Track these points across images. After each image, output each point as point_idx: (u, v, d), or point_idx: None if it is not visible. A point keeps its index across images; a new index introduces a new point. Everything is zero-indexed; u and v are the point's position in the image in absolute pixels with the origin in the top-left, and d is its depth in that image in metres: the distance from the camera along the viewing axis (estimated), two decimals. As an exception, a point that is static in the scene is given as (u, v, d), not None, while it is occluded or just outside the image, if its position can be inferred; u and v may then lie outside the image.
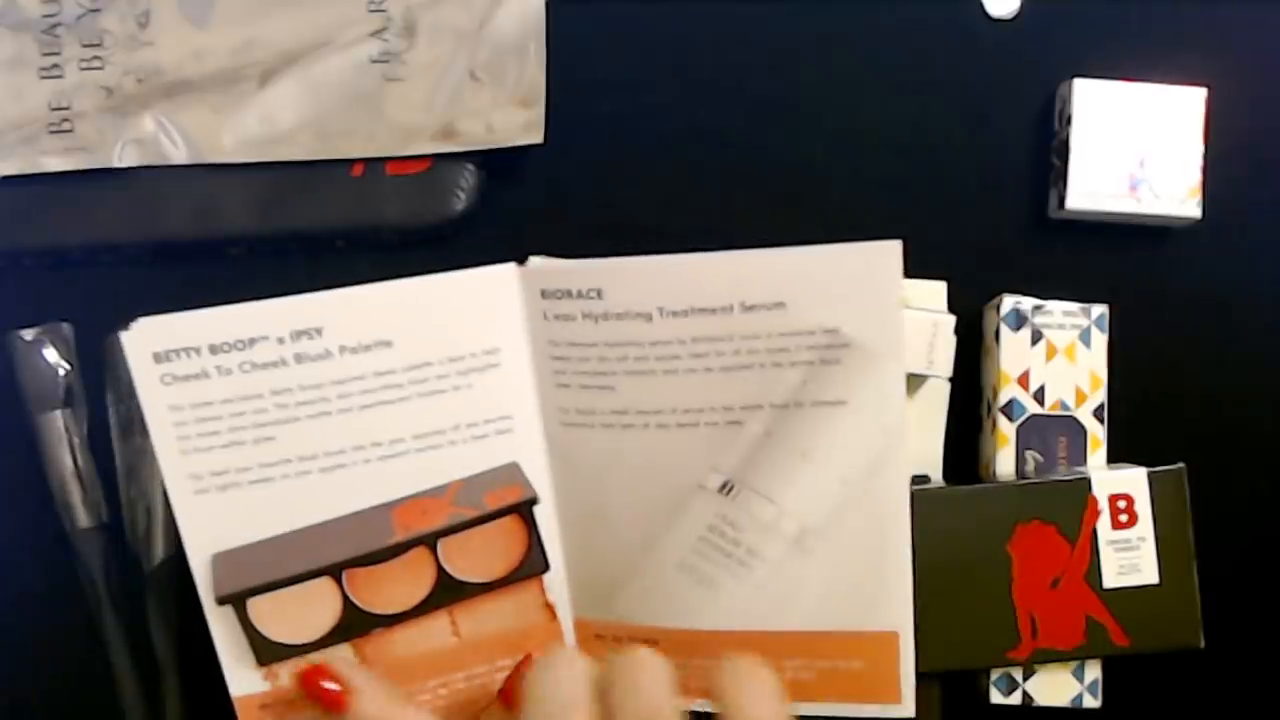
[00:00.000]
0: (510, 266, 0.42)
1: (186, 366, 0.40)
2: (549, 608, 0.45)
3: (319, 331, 0.40)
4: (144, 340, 0.39)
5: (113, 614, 0.49)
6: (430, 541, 0.43)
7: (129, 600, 0.49)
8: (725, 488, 0.42)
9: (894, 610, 0.42)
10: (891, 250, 0.39)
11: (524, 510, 0.44)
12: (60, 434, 0.49)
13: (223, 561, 0.41)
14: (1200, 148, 0.51)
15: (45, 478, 0.49)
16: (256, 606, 0.42)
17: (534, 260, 0.45)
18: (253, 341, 0.40)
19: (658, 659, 0.36)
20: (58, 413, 0.49)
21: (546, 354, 0.42)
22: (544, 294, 0.42)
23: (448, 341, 0.42)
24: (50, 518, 0.49)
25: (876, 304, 0.40)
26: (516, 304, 0.42)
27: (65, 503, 0.49)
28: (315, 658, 0.42)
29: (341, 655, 0.43)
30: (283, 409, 0.41)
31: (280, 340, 0.40)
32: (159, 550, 0.48)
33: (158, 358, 0.39)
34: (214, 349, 0.40)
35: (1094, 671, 0.50)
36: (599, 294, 0.41)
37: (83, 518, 0.49)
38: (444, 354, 0.42)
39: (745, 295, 0.40)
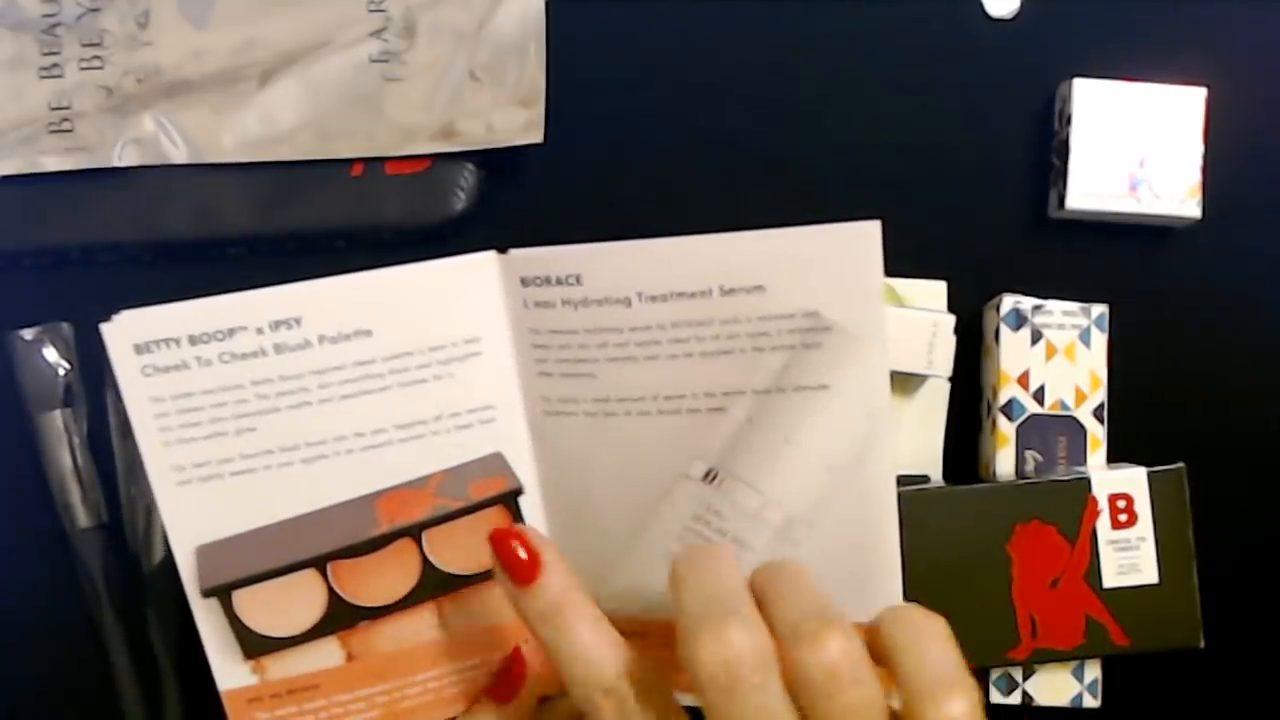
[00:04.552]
0: (490, 254, 0.42)
1: (167, 358, 0.40)
2: None
3: (298, 321, 0.40)
4: (124, 332, 0.39)
5: (113, 614, 0.49)
6: (415, 533, 0.43)
7: (129, 600, 0.49)
8: (709, 476, 0.42)
9: (884, 602, 0.41)
10: (870, 231, 0.38)
11: (509, 501, 0.43)
12: (60, 434, 0.49)
13: (207, 554, 0.41)
14: (1200, 148, 0.51)
15: (45, 478, 0.49)
16: (242, 599, 0.41)
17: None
18: (232, 332, 0.40)
19: (808, 568, 0.37)
20: (58, 412, 0.49)
21: (528, 342, 0.42)
22: (523, 281, 0.41)
23: (428, 331, 0.42)
24: (50, 518, 0.49)
25: (857, 286, 0.39)
26: (496, 292, 0.42)
27: (65, 503, 0.49)
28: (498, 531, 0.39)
29: (329, 647, 0.43)
30: (263, 399, 0.40)
31: (259, 330, 0.40)
32: (159, 550, 0.48)
33: (138, 349, 0.39)
34: (193, 340, 0.40)
35: (1094, 671, 0.50)
36: (578, 280, 0.41)
37: (83, 518, 0.49)
38: (424, 343, 0.41)
39: (724, 279, 0.39)
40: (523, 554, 0.38)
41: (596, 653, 0.37)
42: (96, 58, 0.49)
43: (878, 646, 0.35)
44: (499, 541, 0.38)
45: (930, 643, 0.35)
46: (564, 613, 0.37)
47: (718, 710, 0.34)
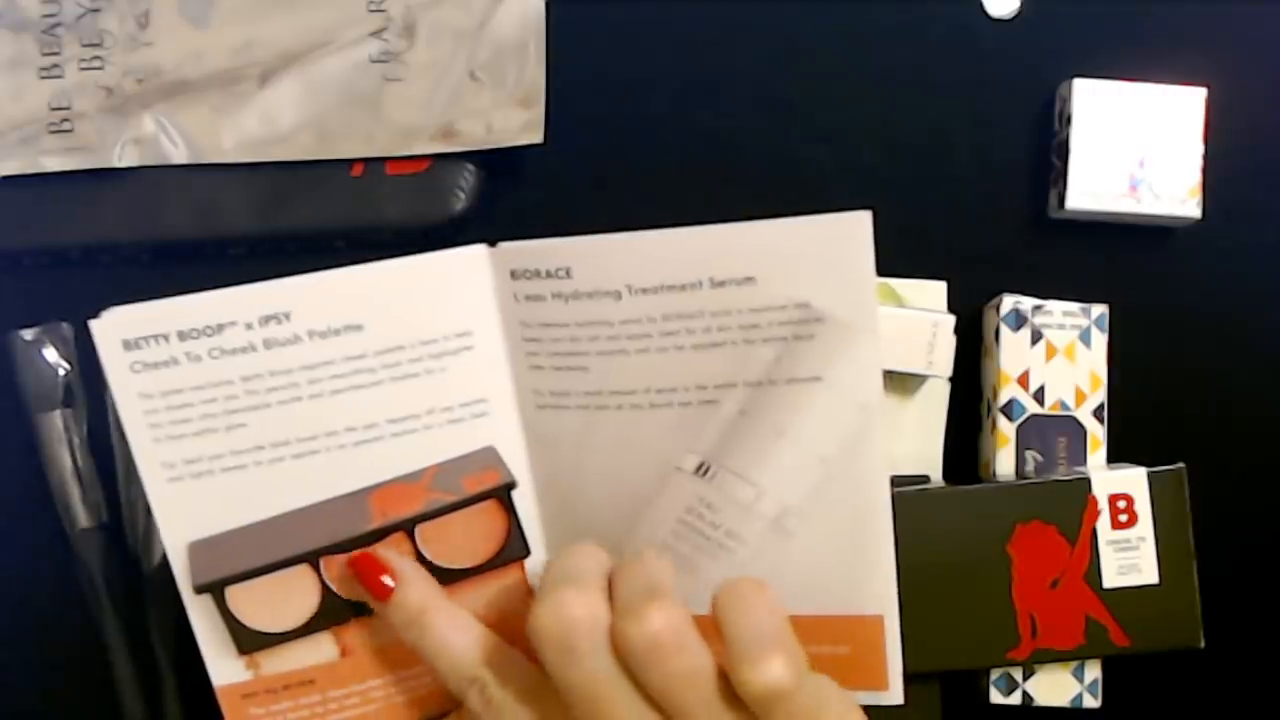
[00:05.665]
0: (480, 248, 0.42)
1: (156, 354, 0.40)
2: (533, 594, 0.45)
3: (287, 316, 0.40)
4: (113, 329, 0.39)
5: (112, 614, 0.49)
6: (408, 528, 0.43)
7: (129, 600, 0.49)
8: (702, 469, 0.42)
9: (878, 593, 0.41)
10: (861, 221, 0.38)
11: (503, 495, 0.43)
12: (60, 434, 0.49)
13: (199, 550, 0.41)
14: (1200, 148, 0.51)
15: (45, 478, 0.49)
16: (235, 595, 0.42)
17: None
18: (221, 327, 0.40)
19: (662, 561, 0.39)
20: (57, 413, 0.49)
21: (519, 335, 0.42)
22: (513, 275, 0.41)
23: (419, 325, 0.42)
24: (50, 518, 0.49)
25: (848, 277, 0.39)
26: (487, 286, 0.42)
27: (65, 503, 0.49)
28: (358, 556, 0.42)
29: (324, 642, 0.43)
30: (253, 395, 0.40)
31: (249, 326, 0.40)
32: (159, 550, 0.48)
33: (127, 345, 0.39)
34: (182, 336, 0.40)
35: (1094, 671, 0.50)
36: (567, 273, 0.41)
37: (82, 518, 0.49)
38: (416, 337, 0.41)
39: (714, 271, 0.40)
40: (380, 573, 0.41)
41: (457, 647, 0.41)
42: (96, 58, 0.49)
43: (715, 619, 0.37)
44: (357, 564, 0.42)
45: (752, 609, 0.37)
46: (425, 615, 0.41)
47: (556, 673, 0.37)
